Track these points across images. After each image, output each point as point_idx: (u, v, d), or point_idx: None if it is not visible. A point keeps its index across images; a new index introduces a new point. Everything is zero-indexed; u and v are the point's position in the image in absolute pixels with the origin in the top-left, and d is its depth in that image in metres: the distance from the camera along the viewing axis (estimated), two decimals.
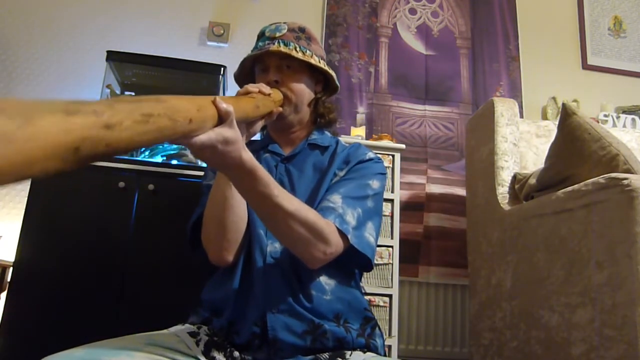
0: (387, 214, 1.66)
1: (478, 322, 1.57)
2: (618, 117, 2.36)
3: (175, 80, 1.81)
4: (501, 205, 1.51)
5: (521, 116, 2.31)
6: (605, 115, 2.36)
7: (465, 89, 2.41)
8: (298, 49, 0.92)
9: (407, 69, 2.38)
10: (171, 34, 2.20)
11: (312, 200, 0.87)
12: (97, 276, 1.32)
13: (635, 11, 2.72)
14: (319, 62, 0.96)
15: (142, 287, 1.33)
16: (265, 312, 0.78)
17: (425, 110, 2.34)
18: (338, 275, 0.85)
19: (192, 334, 0.78)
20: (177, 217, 1.13)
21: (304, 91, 0.95)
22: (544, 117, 2.42)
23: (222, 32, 2.20)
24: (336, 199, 0.83)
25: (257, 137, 0.89)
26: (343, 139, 1.25)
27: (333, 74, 0.98)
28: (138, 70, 1.78)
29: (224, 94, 1.80)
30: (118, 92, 1.75)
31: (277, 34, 0.93)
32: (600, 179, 1.04)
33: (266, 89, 0.79)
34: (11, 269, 1.35)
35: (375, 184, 0.90)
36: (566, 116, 1.28)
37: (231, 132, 0.58)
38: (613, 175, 1.02)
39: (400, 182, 1.81)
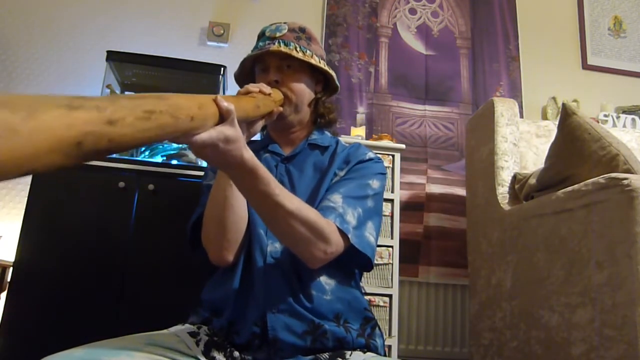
0: (387, 214, 1.66)
1: (478, 322, 1.57)
2: (618, 117, 2.36)
3: (175, 80, 1.81)
4: (501, 205, 1.51)
5: (521, 116, 2.31)
6: (605, 115, 2.36)
7: (465, 89, 2.41)
8: (298, 49, 0.93)
9: (407, 69, 2.38)
10: (171, 34, 2.20)
11: (313, 200, 0.87)
12: (97, 276, 1.32)
13: (635, 11, 2.72)
14: (319, 62, 0.96)
15: (142, 287, 1.33)
16: (265, 312, 0.78)
17: (425, 110, 2.34)
18: (338, 275, 0.85)
19: (192, 334, 0.78)
20: (177, 217, 1.13)
21: (304, 91, 0.95)
22: (544, 117, 2.42)
23: (222, 32, 2.20)
24: (336, 199, 0.83)
25: (257, 137, 0.89)
26: (343, 139, 1.25)
27: (333, 74, 0.98)
28: (138, 70, 1.78)
29: (224, 94, 1.79)
30: (118, 92, 1.75)
31: (278, 34, 0.93)
32: (600, 179, 1.04)
33: (267, 88, 0.79)
34: (11, 269, 1.35)
35: (375, 183, 0.90)
36: (566, 116, 1.28)
37: (232, 131, 0.58)
38: (613, 175, 1.02)
39: (400, 182, 1.81)
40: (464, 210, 1.90)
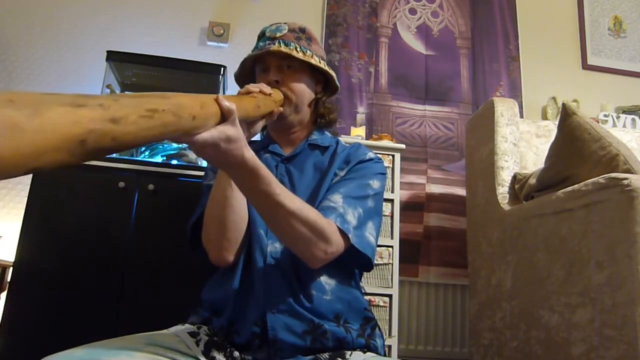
0: (387, 214, 1.66)
1: (478, 322, 1.57)
2: (618, 117, 2.36)
3: (175, 80, 1.81)
4: (501, 205, 1.51)
5: (521, 116, 2.31)
6: (605, 115, 2.36)
7: (465, 89, 2.41)
8: (298, 49, 0.93)
9: (407, 69, 2.38)
10: (171, 34, 2.20)
11: (313, 200, 0.87)
12: (97, 276, 1.32)
13: (635, 11, 2.72)
14: (320, 62, 0.96)
15: (142, 287, 1.33)
16: (265, 312, 0.78)
17: (425, 110, 2.34)
18: (338, 275, 0.85)
19: (192, 334, 0.78)
20: (177, 217, 1.13)
21: (304, 91, 0.95)
22: (544, 117, 2.42)
23: (222, 32, 2.20)
24: (337, 199, 0.83)
25: (257, 137, 0.89)
26: (343, 139, 1.25)
27: (333, 74, 0.98)
28: (138, 70, 1.78)
29: (224, 94, 1.79)
30: (118, 91, 1.75)
31: (278, 34, 0.93)
32: (600, 179, 1.04)
33: (267, 88, 0.80)
34: (11, 269, 1.35)
35: (375, 183, 0.90)
36: (566, 116, 1.28)
37: (234, 130, 0.58)
38: (613, 175, 1.02)
39: (400, 182, 1.81)
40: (464, 210, 1.90)
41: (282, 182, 0.89)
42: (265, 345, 0.77)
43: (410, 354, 2.00)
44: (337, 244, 0.78)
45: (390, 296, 1.60)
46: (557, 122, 1.37)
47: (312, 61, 0.94)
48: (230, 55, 2.15)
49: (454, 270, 2.13)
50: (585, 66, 2.58)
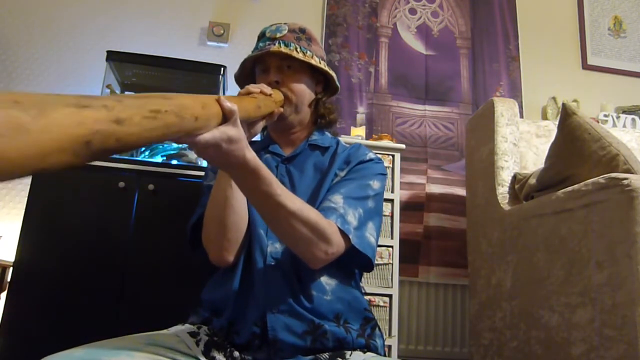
0: (387, 214, 1.66)
1: (478, 322, 1.57)
2: (618, 117, 2.36)
3: (175, 80, 1.81)
4: (501, 205, 1.51)
5: (521, 116, 2.31)
6: (605, 115, 2.36)
7: (465, 89, 2.41)
8: (299, 49, 0.93)
9: (407, 69, 2.38)
10: (171, 34, 2.20)
11: (313, 200, 0.87)
12: (97, 276, 1.32)
13: (635, 11, 2.72)
14: (320, 62, 0.96)
15: (142, 287, 1.33)
16: (265, 312, 0.78)
17: (425, 110, 2.34)
18: (338, 276, 0.85)
19: (192, 334, 0.78)
20: (177, 217, 1.13)
21: (304, 92, 0.95)
22: (544, 117, 2.42)
23: (222, 32, 2.20)
24: (337, 199, 0.83)
25: (257, 137, 0.89)
26: (343, 139, 1.25)
27: (333, 74, 0.98)
28: (138, 70, 1.78)
29: (224, 94, 1.79)
30: (118, 92, 1.75)
31: (278, 35, 0.93)
32: (600, 179, 1.04)
33: (267, 89, 0.80)
34: (11, 269, 1.35)
35: (375, 184, 0.90)
36: (566, 116, 1.29)
37: (235, 131, 0.58)
38: (613, 175, 1.02)
39: (400, 182, 1.81)
40: (464, 210, 1.90)
41: (282, 182, 0.88)
42: (265, 346, 0.77)
43: (410, 354, 2.00)
44: (338, 245, 0.78)
45: (390, 296, 1.60)
46: (557, 122, 1.37)
47: (312, 62, 0.94)
48: (230, 55, 2.15)
49: (454, 270, 2.13)
50: (585, 66, 2.58)
